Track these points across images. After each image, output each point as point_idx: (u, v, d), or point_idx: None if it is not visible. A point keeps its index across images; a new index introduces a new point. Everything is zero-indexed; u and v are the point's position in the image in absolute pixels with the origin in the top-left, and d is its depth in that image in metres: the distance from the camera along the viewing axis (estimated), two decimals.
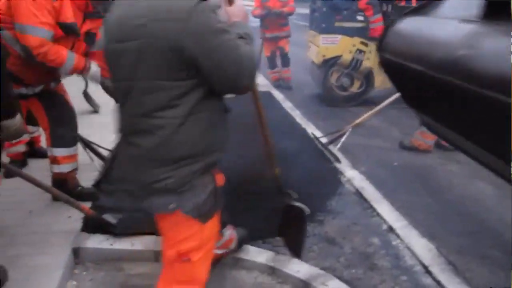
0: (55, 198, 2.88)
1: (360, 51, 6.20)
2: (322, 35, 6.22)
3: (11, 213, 2.86)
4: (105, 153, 3.54)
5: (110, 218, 2.77)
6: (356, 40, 6.17)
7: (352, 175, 3.88)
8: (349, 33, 6.17)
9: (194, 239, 1.58)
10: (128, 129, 1.56)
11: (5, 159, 3.23)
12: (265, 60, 7.42)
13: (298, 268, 2.50)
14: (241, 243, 2.58)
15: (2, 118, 2.00)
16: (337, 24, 6.20)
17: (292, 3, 7.19)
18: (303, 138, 4.84)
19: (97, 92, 4.07)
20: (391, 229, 3.04)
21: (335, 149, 4.37)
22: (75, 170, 3.12)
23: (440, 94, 1.57)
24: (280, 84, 7.56)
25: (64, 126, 2.97)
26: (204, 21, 1.37)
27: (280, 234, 2.61)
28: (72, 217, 2.86)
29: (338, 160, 4.17)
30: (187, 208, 1.51)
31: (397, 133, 5.17)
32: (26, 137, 3.42)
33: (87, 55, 2.98)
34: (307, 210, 2.36)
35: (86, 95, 5.24)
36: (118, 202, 2.87)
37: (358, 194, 3.56)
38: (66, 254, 2.51)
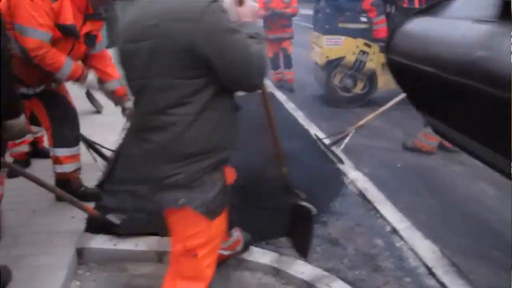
0: (59, 198, 2.88)
1: (364, 52, 6.19)
2: (325, 36, 6.22)
3: (15, 213, 2.86)
4: (108, 153, 3.55)
5: (113, 218, 2.77)
6: (360, 42, 6.16)
7: (355, 176, 3.88)
8: (352, 35, 6.16)
9: (202, 235, 1.61)
10: (142, 126, 1.59)
11: (9, 159, 3.22)
12: (267, 61, 7.41)
13: (302, 269, 2.50)
14: (246, 245, 2.59)
15: (7, 118, 2.00)
16: (340, 25, 6.19)
17: (295, 4, 7.18)
18: (306, 139, 4.83)
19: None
20: (394, 230, 3.03)
21: (338, 150, 4.37)
22: (78, 170, 3.11)
23: (454, 96, 1.54)
24: (283, 85, 7.56)
25: (65, 126, 2.97)
26: (216, 21, 1.40)
27: (288, 234, 2.61)
28: (75, 217, 2.86)
29: (341, 161, 4.16)
30: (196, 204, 1.54)
31: (400, 134, 5.16)
32: (29, 137, 3.43)
33: (87, 57, 2.98)
34: (314, 210, 2.35)
35: (89, 96, 5.24)
36: (121, 202, 2.89)
37: (362, 195, 3.56)
38: (69, 255, 2.51)
